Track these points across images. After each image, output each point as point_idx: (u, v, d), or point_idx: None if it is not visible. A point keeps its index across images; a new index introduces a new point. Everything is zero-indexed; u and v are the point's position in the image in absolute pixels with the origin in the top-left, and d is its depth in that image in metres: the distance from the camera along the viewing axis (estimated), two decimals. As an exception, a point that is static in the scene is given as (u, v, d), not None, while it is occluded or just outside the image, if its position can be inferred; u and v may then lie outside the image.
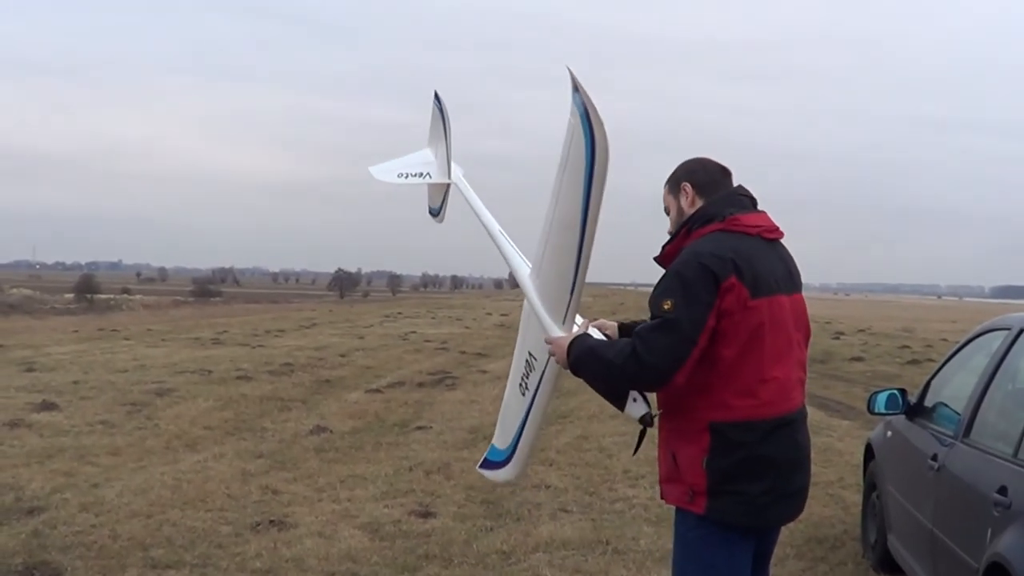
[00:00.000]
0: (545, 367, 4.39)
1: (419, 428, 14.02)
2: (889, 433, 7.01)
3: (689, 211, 4.10)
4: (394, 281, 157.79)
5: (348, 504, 9.25)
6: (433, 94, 5.06)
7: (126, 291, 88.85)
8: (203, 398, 16.60)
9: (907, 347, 31.97)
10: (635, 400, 4.08)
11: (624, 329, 4.36)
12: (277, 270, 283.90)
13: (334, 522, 8.59)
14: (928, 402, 6.44)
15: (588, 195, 3.86)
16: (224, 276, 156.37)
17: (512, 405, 4.69)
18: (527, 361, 4.53)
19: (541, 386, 4.46)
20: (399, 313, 56.30)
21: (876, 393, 6.81)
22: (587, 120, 3.73)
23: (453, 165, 5.07)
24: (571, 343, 4.07)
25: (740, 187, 4.17)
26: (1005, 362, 5.34)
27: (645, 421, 4.07)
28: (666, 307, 3.80)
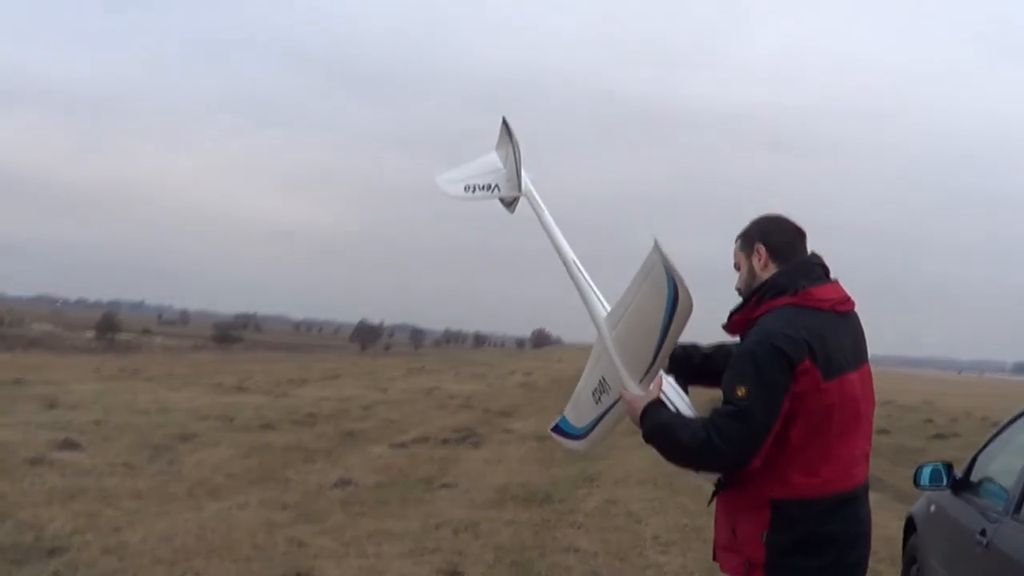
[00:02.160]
0: (614, 403, 4.25)
1: (445, 486, 13.85)
2: (933, 507, 6.86)
3: (762, 274, 3.97)
4: (416, 335, 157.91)
5: (375, 560, 9.08)
6: (501, 120, 4.84)
7: (147, 331, 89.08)
8: (226, 445, 16.48)
9: (931, 421, 31.61)
10: None
11: (706, 356, 4.27)
12: (300, 318, 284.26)
13: (360, 578, 8.42)
14: (974, 477, 6.30)
15: (666, 330, 3.81)
16: (246, 322, 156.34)
17: (586, 402, 4.49)
18: (600, 381, 4.34)
19: (615, 409, 4.30)
20: (422, 368, 56.21)
21: (921, 467, 6.70)
22: (673, 286, 3.70)
23: (524, 174, 4.72)
24: (645, 411, 3.96)
25: (814, 255, 4.02)
26: None
27: (719, 483, 3.99)
28: (740, 393, 3.68)
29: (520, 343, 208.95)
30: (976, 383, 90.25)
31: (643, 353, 3.97)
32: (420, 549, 9.63)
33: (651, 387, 4.03)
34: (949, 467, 6.59)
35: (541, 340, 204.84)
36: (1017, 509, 5.18)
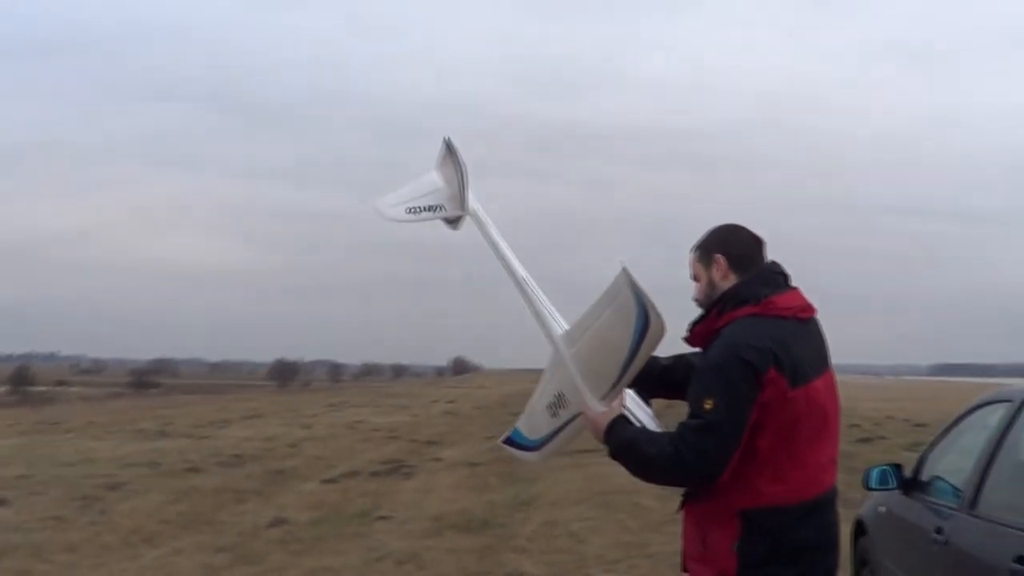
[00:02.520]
0: (572, 419, 4.24)
1: (381, 518, 13.76)
2: (882, 509, 6.95)
3: (721, 285, 3.95)
4: (335, 370, 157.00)
5: (320, 597, 8.99)
6: (444, 140, 4.70)
7: (62, 383, 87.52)
8: (156, 491, 16.20)
9: (857, 426, 31.98)
10: None
11: (665, 368, 4.28)
12: (216, 360, 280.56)
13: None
14: (924, 477, 6.39)
15: (634, 352, 3.84)
16: (162, 367, 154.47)
17: (541, 415, 4.45)
18: (557, 395, 4.31)
19: (573, 424, 4.29)
20: (344, 402, 55.70)
21: (870, 470, 6.77)
22: (643, 310, 3.74)
23: (470, 194, 4.57)
24: (610, 427, 3.96)
25: (774, 263, 4.02)
26: (1010, 434, 5.31)
27: (687, 493, 3.99)
28: (708, 406, 3.67)
29: (440, 372, 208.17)
30: (894, 387, 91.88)
31: (607, 372, 3.97)
32: (365, 583, 9.57)
33: (614, 403, 4.05)
34: (898, 468, 6.68)
35: (461, 368, 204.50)
36: (973, 504, 5.27)
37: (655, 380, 4.22)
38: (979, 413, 6.09)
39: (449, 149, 4.58)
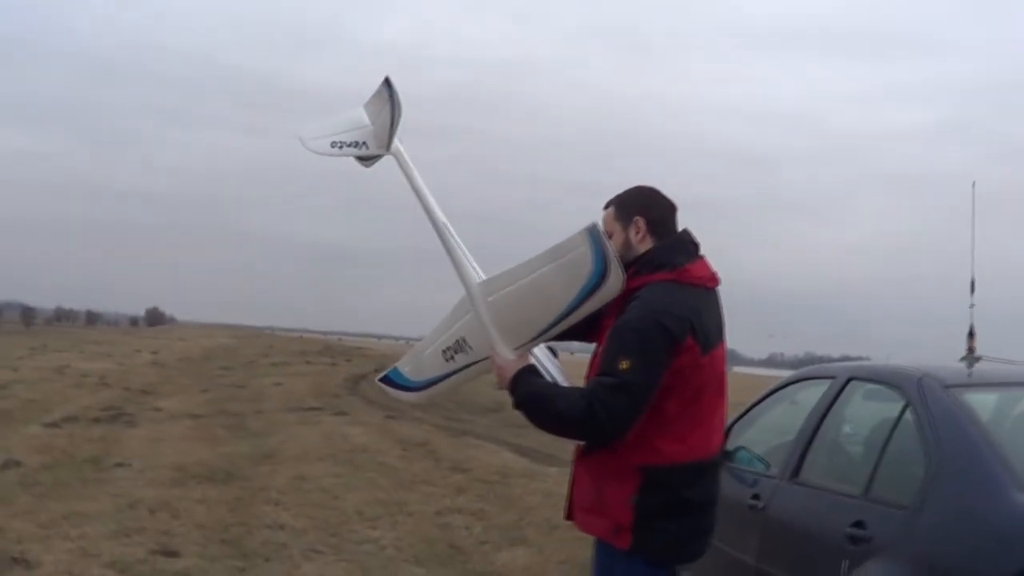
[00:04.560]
0: (479, 360, 4.30)
1: (119, 465, 13.24)
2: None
3: (638, 247, 4.05)
4: (27, 313, 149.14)
5: (83, 543, 8.61)
6: (384, 79, 4.59)
7: None
8: None
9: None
10: None
11: None
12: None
13: (76, 561, 7.99)
14: (729, 447, 6.69)
15: (575, 306, 3.94)
16: None
17: (431, 358, 4.50)
18: (458, 341, 4.36)
19: (469, 369, 4.37)
20: (45, 346, 52.92)
21: None
22: (602, 267, 3.83)
23: (395, 139, 4.52)
24: (517, 377, 4.02)
25: (686, 231, 4.13)
26: (834, 408, 5.66)
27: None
28: (623, 367, 3.77)
29: (134, 321, 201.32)
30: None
31: (532, 322, 4.04)
32: (124, 530, 9.21)
33: (522, 354, 4.11)
34: None
35: (155, 319, 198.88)
36: (796, 474, 5.59)
37: None
38: (789, 389, 6.45)
39: (388, 86, 4.50)
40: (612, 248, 3.85)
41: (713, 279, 4.09)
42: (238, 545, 9.01)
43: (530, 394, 3.98)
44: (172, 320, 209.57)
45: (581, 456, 4.10)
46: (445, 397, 4.73)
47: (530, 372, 4.05)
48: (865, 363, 5.97)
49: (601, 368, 3.87)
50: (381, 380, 4.72)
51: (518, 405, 4.02)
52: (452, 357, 4.40)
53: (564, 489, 12.47)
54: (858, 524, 4.77)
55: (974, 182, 5.81)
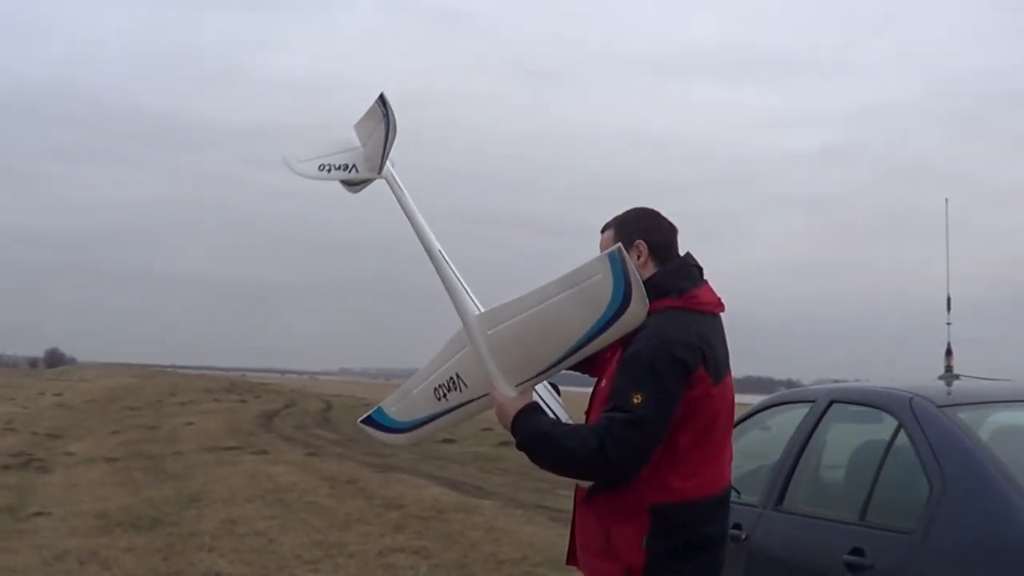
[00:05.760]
0: (475, 399, 4.05)
1: (38, 514, 12.81)
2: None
3: (641, 273, 3.78)
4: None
5: (12, 599, 8.21)
6: (379, 96, 4.35)
7: None
8: None
9: (490, 429, 32.58)
10: None
11: None
12: None
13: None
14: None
15: (591, 338, 3.73)
16: None
17: (421, 396, 4.24)
18: (452, 378, 4.11)
19: (463, 409, 4.12)
20: (-58, 390, 51.56)
21: None
22: (625, 295, 3.63)
23: (387, 161, 4.31)
24: (519, 415, 3.79)
25: (689, 255, 3.94)
26: (817, 432, 5.49)
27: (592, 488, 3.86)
28: (636, 400, 3.56)
29: (33, 363, 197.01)
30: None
31: (536, 359, 3.81)
32: (56, 584, 8.82)
33: (524, 392, 3.88)
34: None
35: (55, 359, 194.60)
36: (779, 502, 5.41)
37: None
38: (760, 415, 6.28)
39: (383, 105, 4.24)
40: (636, 272, 3.64)
41: (720, 305, 3.90)
42: (177, 595, 8.63)
43: (536, 434, 3.75)
44: (72, 360, 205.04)
45: (585, 497, 3.88)
46: (432, 439, 4.47)
47: (533, 410, 3.83)
48: (846, 385, 5.83)
49: (612, 403, 3.64)
50: (363, 422, 4.45)
51: (522, 446, 3.78)
52: (444, 396, 4.15)
53: (503, 523, 12.39)
54: (856, 551, 4.63)
55: (947, 199, 5.72)
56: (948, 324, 5.68)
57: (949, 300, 5.67)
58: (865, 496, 4.88)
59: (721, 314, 3.92)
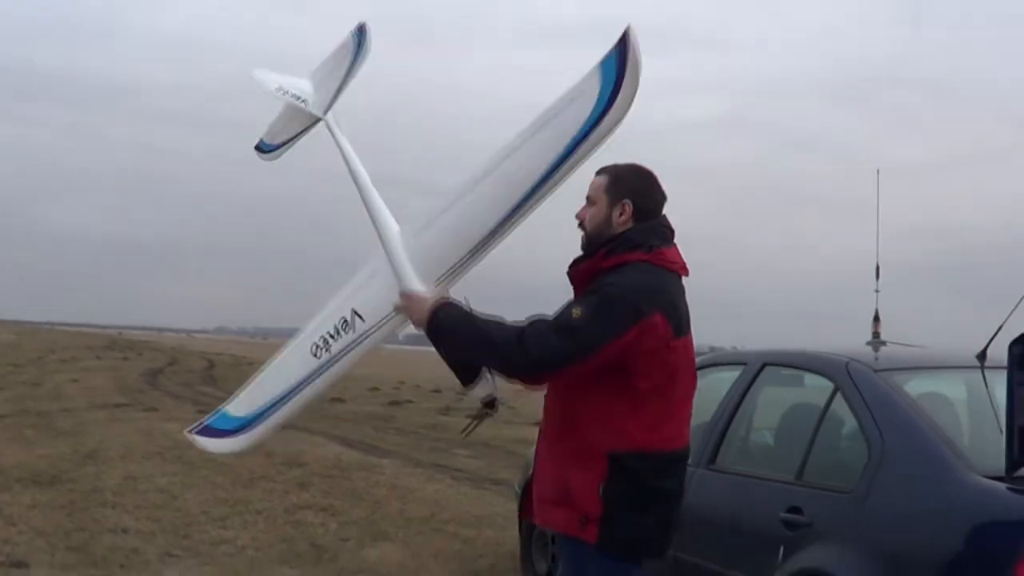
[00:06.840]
0: (371, 330, 4.14)
1: (-70, 471, 12.42)
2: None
3: (617, 228, 3.90)
4: None
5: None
6: (359, 27, 4.52)
7: None
8: None
9: (378, 388, 32.58)
10: (487, 380, 4.02)
11: None
12: None
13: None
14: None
15: (563, 160, 3.83)
16: None
17: (283, 370, 4.30)
18: (343, 319, 4.19)
19: (349, 352, 4.17)
20: None
21: None
22: (615, 85, 3.68)
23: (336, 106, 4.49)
24: (439, 304, 3.90)
25: (664, 217, 4.02)
26: (749, 394, 5.62)
27: (491, 404, 4.03)
28: (574, 313, 3.68)
29: None
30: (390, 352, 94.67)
31: (466, 238, 4.02)
32: (-40, 539, 8.60)
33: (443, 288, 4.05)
34: None
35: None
36: (712, 461, 5.55)
37: None
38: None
39: (360, 39, 4.36)
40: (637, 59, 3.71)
41: (684, 268, 4.00)
42: (86, 552, 8.50)
43: (457, 317, 3.88)
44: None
45: (547, 442, 3.98)
46: (277, 434, 4.46)
47: (454, 305, 3.95)
48: (779, 349, 5.96)
49: (554, 315, 3.78)
50: (195, 433, 4.44)
51: (439, 328, 3.88)
52: (325, 347, 4.22)
53: (405, 481, 12.45)
54: (794, 510, 4.77)
55: (878, 169, 5.88)
56: (876, 292, 5.86)
57: (878, 268, 5.85)
58: (801, 457, 5.04)
59: (684, 277, 4.01)
